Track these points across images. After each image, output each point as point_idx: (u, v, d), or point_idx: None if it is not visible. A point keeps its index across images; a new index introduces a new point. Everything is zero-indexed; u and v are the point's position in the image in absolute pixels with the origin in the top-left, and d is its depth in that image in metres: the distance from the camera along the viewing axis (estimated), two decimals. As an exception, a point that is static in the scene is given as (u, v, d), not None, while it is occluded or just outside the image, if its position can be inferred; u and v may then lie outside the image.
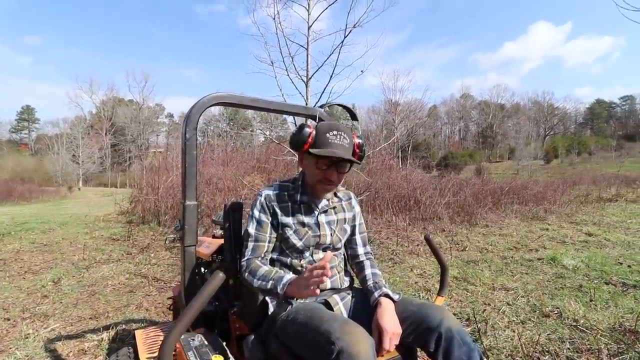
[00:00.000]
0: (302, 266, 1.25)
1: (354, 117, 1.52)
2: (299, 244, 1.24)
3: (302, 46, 4.11)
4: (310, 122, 1.31)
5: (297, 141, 1.20)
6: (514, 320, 2.58)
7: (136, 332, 1.40)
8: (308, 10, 4.51)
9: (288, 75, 4.15)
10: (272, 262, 1.28)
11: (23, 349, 2.24)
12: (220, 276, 0.76)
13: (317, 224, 1.28)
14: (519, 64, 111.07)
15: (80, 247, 5.08)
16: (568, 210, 8.40)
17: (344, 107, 1.55)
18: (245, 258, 1.24)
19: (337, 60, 3.86)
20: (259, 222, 1.25)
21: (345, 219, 1.37)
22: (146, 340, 1.37)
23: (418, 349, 1.21)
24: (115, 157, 48.42)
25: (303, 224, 1.26)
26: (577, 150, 47.08)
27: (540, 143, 54.83)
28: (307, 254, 1.27)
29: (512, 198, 8.70)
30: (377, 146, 8.08)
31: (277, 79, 4.59)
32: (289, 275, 1.10)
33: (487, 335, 2.33)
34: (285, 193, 1.29)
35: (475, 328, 2.38)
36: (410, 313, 1.11)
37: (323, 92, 4.09)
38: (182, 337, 1.09)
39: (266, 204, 1.26)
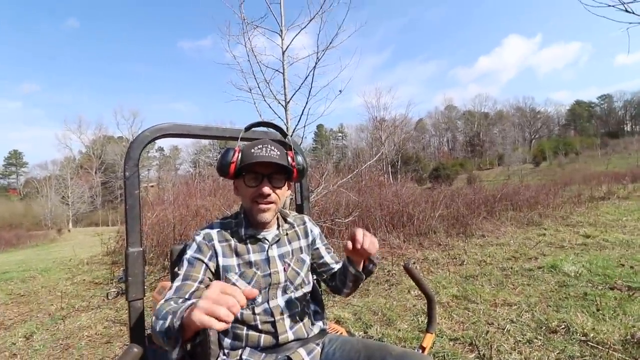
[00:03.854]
0: (255, 318, 1.05)
1: (282, 133, 1.30)
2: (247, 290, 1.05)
3: (277, 70, 4.08)
4: (240, 144, 1.15)
5: (222, 165, 1.08)
6: (520, 340, 2.39)
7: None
8: (281, 36, 4.52)
9: (265, 100, 4.09)
10: None
11: None
12: (134, 352, 0.60)
13: (267, 260, 1.10)
14: (497, 74, 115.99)
15: (59, 295, 4.78)
16: (562, 212, 8.33)
17: (267, 124, 1.33)
18: (162, 301, 0.96)
19: (312, 82, 3.82)
20: (190, 262, 1.05)
21: (301, 248, 1.21)
22: None
23: None
24: (106, 195, 47.83)
25: (250, 264, 1.08)
26: (564, 151, 47.89)
27: (527, 147, 55.82)
28: (259, 299, 1.06)
29: (506, 205, 8.61)
30: (366, 164, 8.00)
31: (257, 105, 4.53)
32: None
33: (493, 361, 2.14)
34: (228, 230, 1.13)
35: (478, 355, 2.20)
36: None
37: (302, 114, 4.03)
38: None
39: (205, 243, 1.08)
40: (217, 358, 1.02)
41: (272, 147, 1.08)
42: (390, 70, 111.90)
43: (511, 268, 4.17)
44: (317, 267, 1.27)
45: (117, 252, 7.70)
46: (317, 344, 1.10)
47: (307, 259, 1.22)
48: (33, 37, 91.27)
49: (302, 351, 1.04)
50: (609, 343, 2.19)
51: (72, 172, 43.10)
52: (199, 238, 1.10)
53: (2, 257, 13.09)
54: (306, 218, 1.30)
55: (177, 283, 1.02)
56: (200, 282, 1.02)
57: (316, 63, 3.86)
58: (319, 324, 1.18)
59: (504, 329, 2.57)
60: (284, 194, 1.14)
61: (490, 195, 8.83)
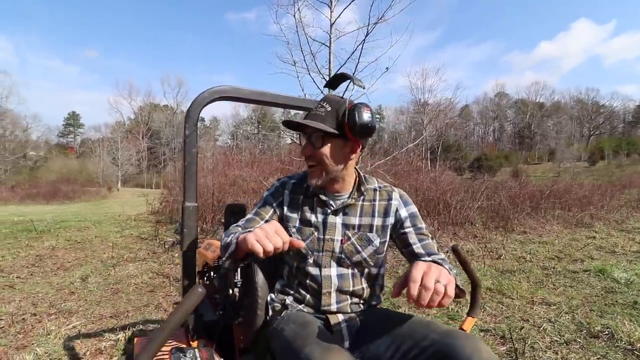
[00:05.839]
0: (305, 280, 1.08)
1: (358, 84, 1.08)
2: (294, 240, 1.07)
3: (323, 44, 4.00)
4: None
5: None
6: (556, 340, 2.29)
7: (136, 339, 1.32)
8: (331, 8, 4.40)
9: (309, 74, 4.05)
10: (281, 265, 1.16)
11: (44, 346, 2.27)
12: (199, 291, 0.65)
13: (325, 224, 1.07)
14: (558, 62, 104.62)
15: (110, 245, 5.26)
16: (618, 216, 7.65)
17: (343, 76, 1.16)
18: (234, 225, 1.09)
19: (359, 57, 3.70)
20: (265, 203, 1.14)
21: (371, 226, 1.08)
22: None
23: None
24: (151, 160, 50.87)
25: (309, 223, 1.08)
26: (626, 151, 43.29)
27: (584, 143, 51.05)
28: (310, 260, 1.06)
29: (554, 202, 8.05)
30: (404, 147, 7.78)
31: (300, 78, 4.51)
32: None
33: (526, 357, 2.08)
34: (304, 185, 1.14)
35: (511, 347, 2.14)
36: (431, 342, 0.85)
37: (345, 90, 3.94)
38: (175, 352, 1.00)
39: (280, 190, 1.15)
40: (267, 296, 1.14)
41: (326, 105, 1.01)
42: (438, 51, 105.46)
43: (553, 268, 3.94)
44: (404, 254, 1.12)
45: (160, 212, 8.26)
46: (358, 316, 1.09)
47: (377, 241, 1.07)
48: (96, 5, 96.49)
49: (340, 316, 1.05)
50: (659, 356, 2.03)
51: (122, 135, 46.18)
52: (277, 183, 1.18)
53: (60, 207, 14.56)
54: (395, 194, 1.13)
55: (249, 215, 1.13)
56: (266, 222, 1.08)
57: (366, 36, 3.72)
58: (369, 304, 1.13)
59: (540, 327, 2.46)
60: (329, 154, 1.00)
61: (537, 191, 8.28)
